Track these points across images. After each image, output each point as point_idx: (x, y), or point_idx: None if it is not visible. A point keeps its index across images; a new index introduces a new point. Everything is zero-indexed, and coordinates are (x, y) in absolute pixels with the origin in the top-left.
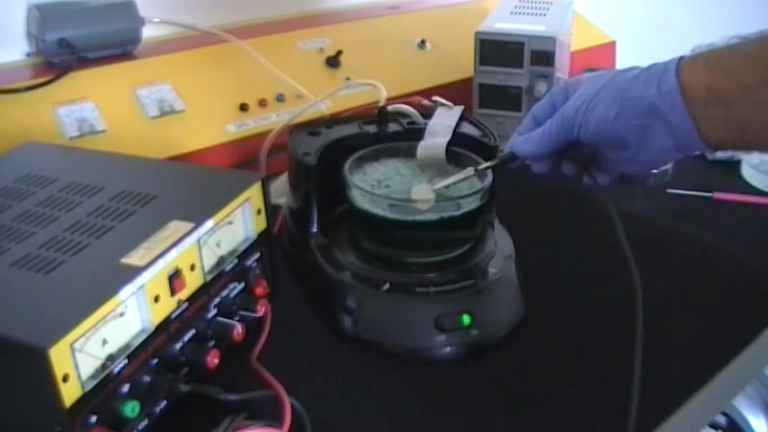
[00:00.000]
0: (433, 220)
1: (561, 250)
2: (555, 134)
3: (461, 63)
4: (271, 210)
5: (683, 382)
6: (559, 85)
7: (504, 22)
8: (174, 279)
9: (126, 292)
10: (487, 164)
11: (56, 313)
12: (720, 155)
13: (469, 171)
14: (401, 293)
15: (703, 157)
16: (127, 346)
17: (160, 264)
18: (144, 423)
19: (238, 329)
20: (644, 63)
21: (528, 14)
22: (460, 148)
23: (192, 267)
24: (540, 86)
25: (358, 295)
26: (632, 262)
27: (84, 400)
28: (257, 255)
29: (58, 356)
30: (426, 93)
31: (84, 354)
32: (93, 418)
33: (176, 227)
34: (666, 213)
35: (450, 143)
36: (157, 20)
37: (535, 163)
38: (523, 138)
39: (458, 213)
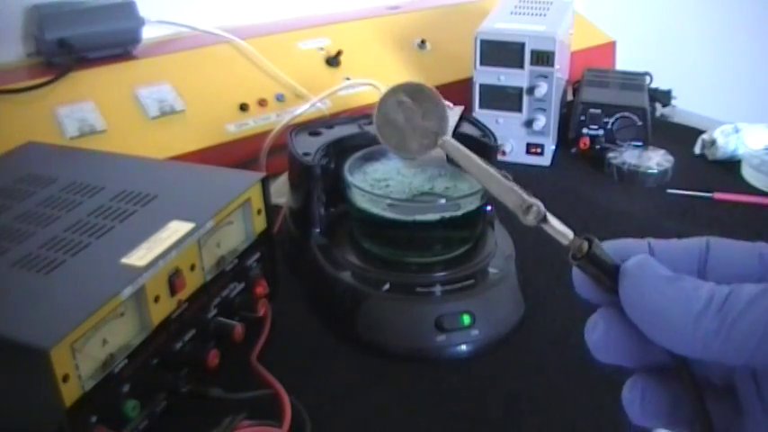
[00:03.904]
0: (432, 221)
1: (561, 250)
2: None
3: (461, 63)
4: (271, 210)
5: None
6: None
7: (504, 22)
8: (175, 279)
9: (126, 292)
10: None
11: (56, 313)
12: (720, 155)
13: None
14: (401, 293)
15: (703, 157)
16: (127, 346)
17: (160, 264)
18: (144, 423)
19: (238, 329)
20: (644, 63)
21: (528, 14)
22: None
23: (192, 267)
24: (541, 87)
25: (358, 295)
26: None
27: (84, 400)
28: (257, 255)
29: (59, 356)
30: None
31: (84, 354)
32: (94, 418)
33: (176, 227)
34: (666, 213)
35: None
36: (157, 20)
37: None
38: (662, 277)
39: (458, 213)
